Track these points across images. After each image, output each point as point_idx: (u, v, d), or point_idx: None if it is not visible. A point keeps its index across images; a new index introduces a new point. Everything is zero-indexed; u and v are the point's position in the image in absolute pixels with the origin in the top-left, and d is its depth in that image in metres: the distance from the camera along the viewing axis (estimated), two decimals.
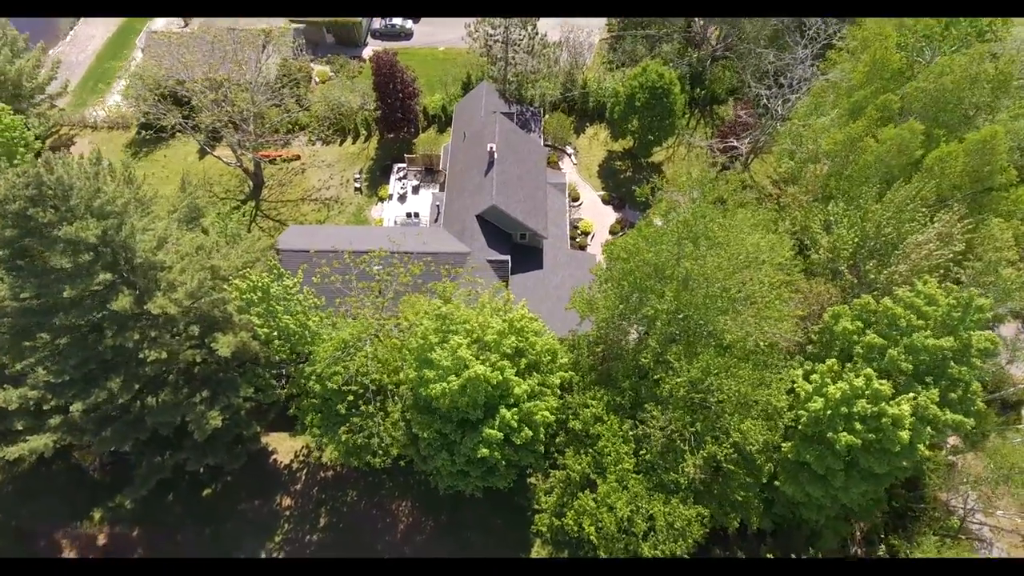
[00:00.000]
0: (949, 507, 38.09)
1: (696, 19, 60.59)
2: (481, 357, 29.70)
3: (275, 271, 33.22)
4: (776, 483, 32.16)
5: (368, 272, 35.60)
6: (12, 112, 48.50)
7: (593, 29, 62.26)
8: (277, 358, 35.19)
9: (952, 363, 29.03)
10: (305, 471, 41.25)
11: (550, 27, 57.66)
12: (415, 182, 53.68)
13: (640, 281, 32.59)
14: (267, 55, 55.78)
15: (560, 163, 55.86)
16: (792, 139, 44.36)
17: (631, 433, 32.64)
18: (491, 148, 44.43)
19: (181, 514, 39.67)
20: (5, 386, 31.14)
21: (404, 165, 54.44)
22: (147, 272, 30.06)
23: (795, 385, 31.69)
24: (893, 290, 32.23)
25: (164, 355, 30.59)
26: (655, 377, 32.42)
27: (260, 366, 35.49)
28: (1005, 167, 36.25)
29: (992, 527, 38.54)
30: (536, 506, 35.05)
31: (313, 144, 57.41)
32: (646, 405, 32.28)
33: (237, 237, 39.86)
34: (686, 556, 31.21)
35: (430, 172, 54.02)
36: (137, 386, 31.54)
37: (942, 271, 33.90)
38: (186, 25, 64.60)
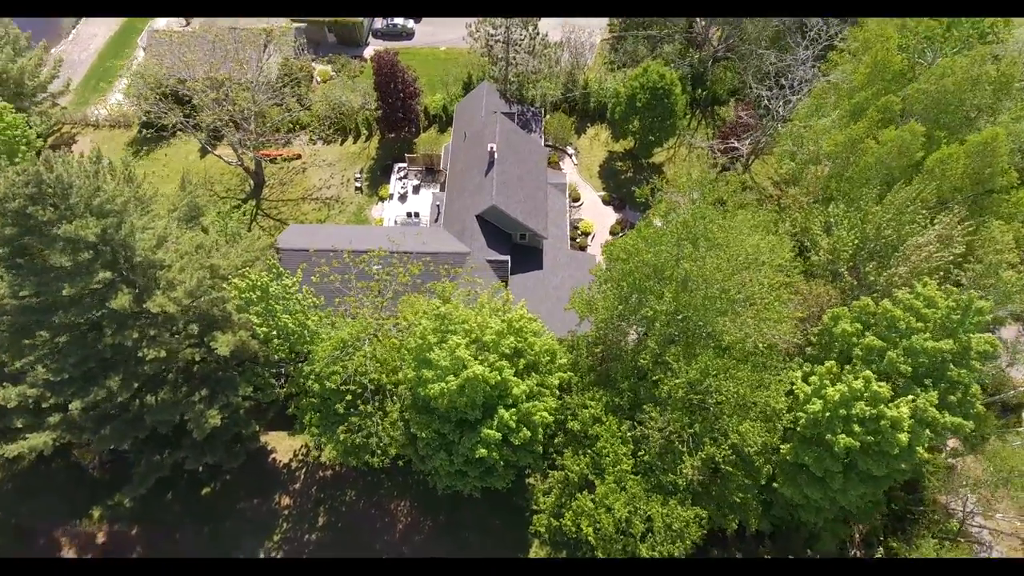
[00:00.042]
0: (949, 510, 38.03)
1: (698, 20, 60.55)
2: (479, 357, 29.70)
3: (274, 270, 33.25)
4: (775, 485, 32.11)
5: (367, 272, 35.61)
6: (14, 110, 48.62)
7: (594, 29, 62.24)
8: (276, 357, 35.22)
9: (951, 366, 28.97)
10: (304, 470, 41.28)
11: (551, 27, 57.63)
12: (416, 182, 53.70)
13: (639, 282, 32.55)
14: (268, 54, 55.80)
15: (561, 163, 55.84)
16: (793, 140, 44.29)
17: (629, 434, 32.60)
18: (491, 148, 44.43)
19: (180, 513, 39.72)
20: (4, 384, 31.19)
21: (405, 165, 54.46)
22: (146, 271, 30.11)
23: (794, 387, 31.65)
24: (893, 292, 32.17)
25: (163, 354, 30.65)
26: (654, 378, 32.39)
27: (259, 365, 35.55)
28: (1006, 169, 36.15)
29: (992, 530, 38.45)
30: (534, 507, 35.03)
31: (314, 143, 57.47)
32: (645, 406, 32.24)
33: (237, 236, 39.92)
34: (684, 557, 31.17)
35: (431, 172, 54.04)
36: (136, 384, 31.59)
37: (942, 273, 33.83)
38: (188, 24, 64.67)
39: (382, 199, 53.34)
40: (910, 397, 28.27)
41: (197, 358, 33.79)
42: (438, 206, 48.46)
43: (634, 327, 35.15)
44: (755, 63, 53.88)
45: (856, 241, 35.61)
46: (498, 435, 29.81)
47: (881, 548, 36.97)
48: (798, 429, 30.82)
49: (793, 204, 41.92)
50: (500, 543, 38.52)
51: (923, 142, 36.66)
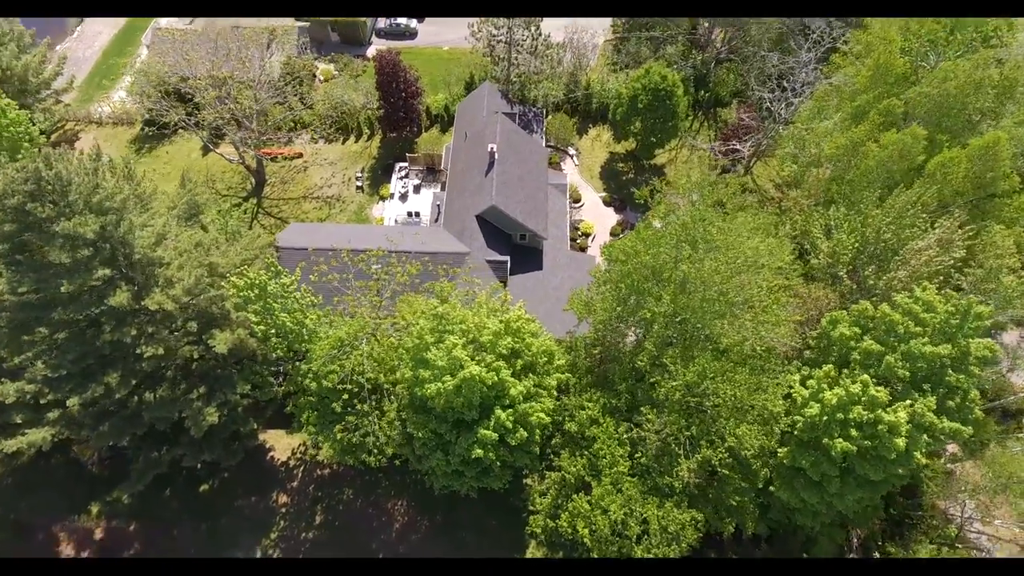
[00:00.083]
0: (947, 515, 37.87)
1: (701, 21, 60.45)
2: (477, 358, 29.70)
3: (272, 269, 33.30)
4: (771, 488, 32.03)
5: (366, 271, 35.64)
6: (17, 107, 48.74)
7: (597, 30, 62.14)
8: (274, 355, 35.26)
9: (950, 371, 28.84)
10: (302, 468, 41.35)
11: (554, 28, 57.56)
12: (416, 181, 53.74)
13: (638, 284, 32.51)
14: (271, 53, 55.93)
15: (562, 164, 55.80)
16: (795, 143, 44.19)
17: (626, 436, 32.56)
18: (492, 148, 44.43)
19: (178, 509, 39.82)
20: (3, 380, 31.31)
21: (406, 164, 54.49)
22: (145, 268, 30.19)
23: (792, 390, 31.57)
24: (892, 296, 32.04)
25: (161, 351, 30.73)
26: (651, 380, 32.35)
27: (257, 363, 35.60)
28: (1008, 173, 35.98)
29: (990, 536, 38.26)
30: (531, 507, 35.04)
31: (316, 142, 57.55)
32: (642, 408, 32.17)
33: (237, 234, 39.99)
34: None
35: (432, 172, 54.07)
36: (134, 381, 31.68)
37: (942, 277, 33.67)
38: (191, 22, 64.83)
39: (383, 198, 53.39)
40: (908, 402, 28.18)
41: (195, 355, 33.87)
42: (438, 206, 48.48)
43: (632, 329, 35.11)
44: (758, 65, 53.75)
45: (856, 244, 35.49)
46: (495, 436, 29.80)
47: (878, 553, 36.81)
48: (795, 433, 30.75)
49: (794, 207, 41.80)
50: (497, 543, 38.52)
51: (925, 146, 36.53)
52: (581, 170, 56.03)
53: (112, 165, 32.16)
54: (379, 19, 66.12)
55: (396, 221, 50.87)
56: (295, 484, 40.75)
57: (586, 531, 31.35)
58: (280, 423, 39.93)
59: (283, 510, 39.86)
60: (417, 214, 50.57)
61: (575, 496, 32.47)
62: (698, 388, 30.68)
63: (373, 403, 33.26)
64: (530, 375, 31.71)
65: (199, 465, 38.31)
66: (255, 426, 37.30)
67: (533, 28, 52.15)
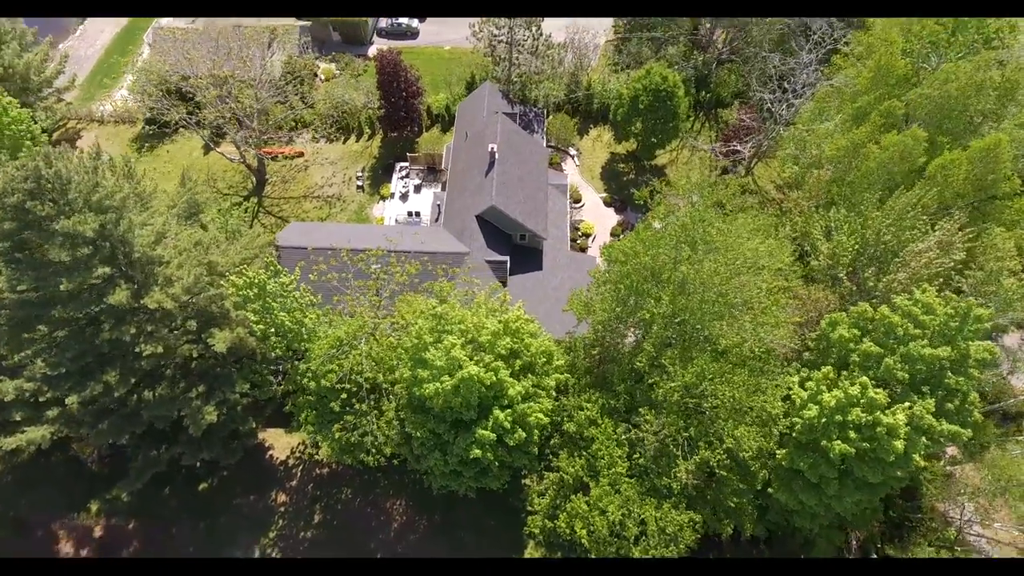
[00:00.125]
0: (947, 518, 37.76)
1: (703, 22, 60.38)
2: (475, 358, 29.69)
3: (272, 268, 33.33)
4: (770, 490, 31.98)
5: (365, 271, 35.66)
6: (19, 105, 48.83)
7: (599, 31, 62.13)
8: (273, 354, 35.29)
9: (949, 373, 28.77)
10: (301, 468, 41.39)
11: (556, 28, 57.55)
12: (417, 181, 53.76)
13: (637, 284, 32.48)
14: (272, 52, 55.98)
15: (563, 164, 55.78)
16: (796, 144, 44.13)
17: (625, 437, 32.54)
18: (492, 148, 44.42)
19: (177, 508, 39.89)
20: (2, 378, 31.40)
21: (406, 164, 54.51)
22: (145, 267, 30.23)
23: (791, 392, 31.51)
24: (892, 298, 31.98)
25: (160, 349, 30.76)
26: (650, 381, 32.32)
27: (257, 362, 35.65)
28: (1009, 175, 35.93)
29: (989, 539, 38.16)
30: (529, 508, 35.03)
31: (316, 142, 57.58)
32: (640, 409, 32.17)
33: (237, 233, 40.06)
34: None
35: (432, 171, 54.09)
36: (133, 380, 31.70)
37: (942, 280, 33.60)
38: (193, 21, 64.89)
39: (383, 198, 53.41)
40: (907, 404, 28.12)
41: (195, 354, 33.90)
42: (439, 206, 48.50)
43: (632, 330, 35.08)
44: (759, 66, 53.67)
45: (856, 246, 35.43)
46: (493, 436, 29.79)
47: (876, 555, 36.74)
48: (794, 434, 30.70)
49: (794, 208, 41.74)
50: (495, 543, 38.52)
51: (925, 147, 36.47)
52: (582, 170, 56.00)
53: (112, 164, 32.23)
54: (380, 19, 66.14)
55: (396, 221, 50.89)
56: (294, 483, 40.80)
57: (584, 532, 31.33)
58: (279, 422, 39.99)
59: (282, 509, 39.90)
60: (417, 214, 50.59)
61: (573, 497, 32.45)
62: (697, 389, 30.65)
63: (372, 403, 33.28)
64: (529, 375, 31.70)
65: (198, 463, 38.34)
66: (254, 425, 37.33)
67: (534, 28, 52.15)
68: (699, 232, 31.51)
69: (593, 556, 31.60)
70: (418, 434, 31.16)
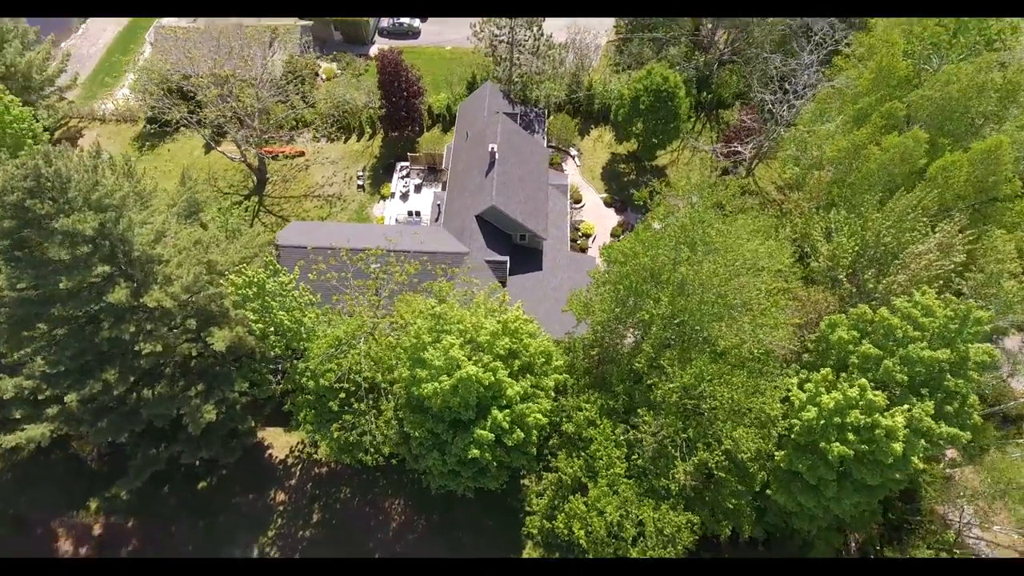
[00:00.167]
0: (946, 521, 37.68)
1: (704, 23, 60.32)
2: (474, 358, 29.69)
3: (271, 267, 33.36)
4: (768, 492, 31.93)
5: (365, 270, 35.68)
6: (21, 104, 48.91)
7: (600, 31, 62.10)
8: (273, 353, 35.33)
9: (948, 375, 28.70)
10: (300, 467, 41.42)
11: (557, 28, 57.53)
12: (417, 181, 53.78)
13: (636, 285, 32.45)
14: (273, 51, 56.02)
15: (563, 165, 55.77)
16: (797, 145, 44.07)
17: (623, 437, 32.50)
18: (493, 148, 44.42)
19: (176, 506, 39.94)
20: (2, 376, 31.46)
21: (407, 164, 54.53)
22: (144, 265, 30.27)
23: (789, 394, 31.46)
24: (891, 300, 31.91)
25: (160, 348, 30.80)
26: (649, 382, 32.29)
27: (256, 361, 35.69)
28: (1010, 178, 35.84)
29: (989, 542, 38.08)
30: (528, 508, 35.00)
31: (317, 141, 57.64)
32: (639, 410, 32.14)
33: (237, 232, 40.10)
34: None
35: (433, 171, 54.11)
36: (133, 378, 31.75)
37: (942, 282, 33.54)
38: (194, 20, 64.98)
39: (384, 197, 53.44)
40: (906, 406, 28.03)
41: (194, 353, 33.96)
42: (439, 205, 48.51)
43: (631, 330, 35.06)
44: (760, 67, 53.64)
45: (856, 248, 35.36)
46: (491, 436, 29.77)
47: (872, 558, 36.67)
48: (792, 436, 30.64)
49: (794, 209, 41.68)
50: (493, 543, 38.51)
51: (926, 149, 36.41)
52: (582, 171, 55.98)
53: (112, 162, 32.26)
54: (382, 18, 66.18)
55: (397, 220, 50.92)
56: (293, 482, 40.83)
57: (582, 532, 31.31)
58: (278, 421, 40.04)
59: (281, 508, 39.93)
60: (418, 213, 50.61)
61: (571, 497, 32.42)
62: (695, 390, 30.61)
63: (370, 402, 33.30)
64: (528, 376, 31.69)
65: (197, 462, 38.37)
66: (253, 424, 37.38)
67: (535, 28, 52.13)
68: (699, 233, 31.47)
69: (591, 556, 31.57)
70: (416, 434, 31.17)
